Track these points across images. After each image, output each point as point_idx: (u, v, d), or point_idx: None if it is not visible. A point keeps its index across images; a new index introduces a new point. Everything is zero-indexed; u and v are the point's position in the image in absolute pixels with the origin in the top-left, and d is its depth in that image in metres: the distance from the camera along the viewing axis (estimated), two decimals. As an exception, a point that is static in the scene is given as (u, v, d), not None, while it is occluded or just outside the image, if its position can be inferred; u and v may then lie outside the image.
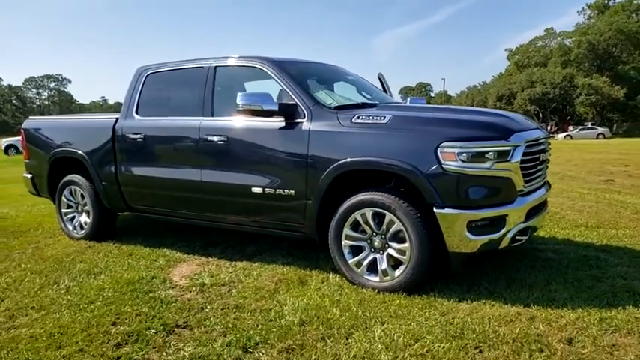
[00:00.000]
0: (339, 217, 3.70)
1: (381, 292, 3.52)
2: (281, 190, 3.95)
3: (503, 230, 3.37)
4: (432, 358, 2.62)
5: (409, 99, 5.39)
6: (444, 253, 3.48)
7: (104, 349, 2.84)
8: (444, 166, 3.27)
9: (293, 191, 3.89)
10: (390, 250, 3.56)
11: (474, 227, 3.30)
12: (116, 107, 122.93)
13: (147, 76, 4.91)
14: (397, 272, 3.52)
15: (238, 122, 4.20)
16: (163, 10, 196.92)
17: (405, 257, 3.47)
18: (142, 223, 6.27)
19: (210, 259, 4.59)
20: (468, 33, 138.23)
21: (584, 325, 2.95)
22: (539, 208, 3.80)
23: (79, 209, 5.48)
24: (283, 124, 3.92)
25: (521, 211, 3.47)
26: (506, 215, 3.37)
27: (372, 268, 3.66)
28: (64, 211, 5.56)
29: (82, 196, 5.37)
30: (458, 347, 2.72)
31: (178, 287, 3.88)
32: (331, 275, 3.95)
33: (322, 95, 4.13)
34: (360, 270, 3.68)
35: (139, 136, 4.72)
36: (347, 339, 2.87)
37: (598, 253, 4.46)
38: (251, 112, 3.91)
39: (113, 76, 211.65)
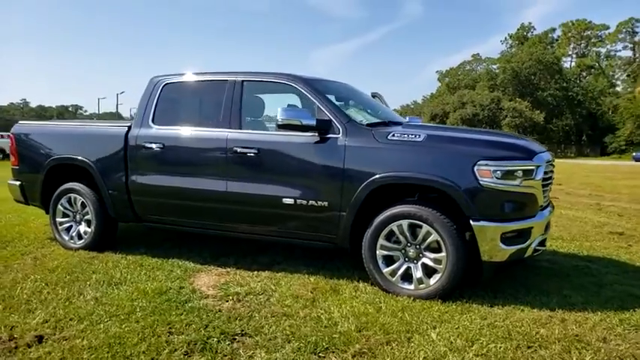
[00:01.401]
0: (374, 227, 3.91)
1: (417, 300, 3.75)
2: (314, 202, 4.09)
3: (529, 241, 3.73)
4: (495, 358, 2.87)
5: (407, 118, 5.73)
6: (474, 262, 3.78)
7: (175, 358, 2.86)
8: (480, 182, 3.58)
9: (326, 202, 4.05)
10: (425, 260, 3.81)
11: (506, 238, 3.63)
12: (38, 111, 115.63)
13: (163, 86, 4.89)
14: (432, 280, 3.77)
15: (270, 135, 4.34)
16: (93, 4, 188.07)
17: (440, 266, 3.73)
18: (139, 233, 6.16)
19: (228, 269, 4.63)
20: (398, 53, 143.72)
21: (610, 326, 3.33)
22: (548, 224, 4.21)
23: (77, 218, 5.30)
24: (318, 138, 4.09)
25: (541, 224, 3.86)
26: (532, 227, 3.74)
27: (405, 276, 3.89)
28: (59, 220, 5.35)
29: (82, 204, 5.21)
30: (512, 347, 2.99)
31: (211, 297, 3.90)
32: (361, 284, 4.13)
33: (352, 113, 4.34)
34: (394, 279, 3.89)
35: (157, 145, 4.69)
36: (409, 342, 3.06)
37: (585, 262, 4.95)
38: (290, 127, 4.04)
39: (36, 76, 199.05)
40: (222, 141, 4.43)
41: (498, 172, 3.59)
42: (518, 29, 73.08)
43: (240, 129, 4.46)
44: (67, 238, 5.32)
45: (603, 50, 69.22)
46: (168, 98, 4.90)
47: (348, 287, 4.08)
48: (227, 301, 3.81)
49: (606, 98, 59.87)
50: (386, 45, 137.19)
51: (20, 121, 5.88)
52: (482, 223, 3.61)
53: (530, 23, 73.54)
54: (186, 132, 4.69)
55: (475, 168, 3.60)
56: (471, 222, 3.63)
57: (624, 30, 66.35)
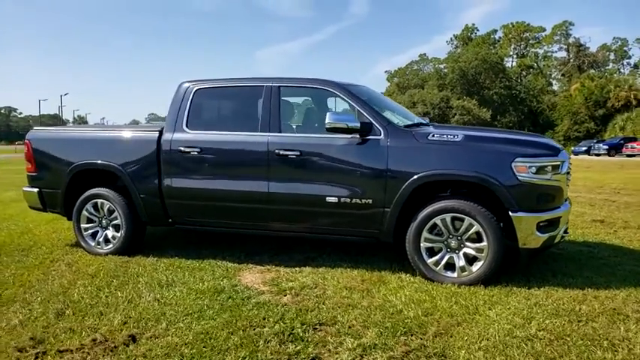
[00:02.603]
0: (419, 221, 4.22)
1: (461, 286, 4.10)
2: (358, 200, 4.36)
3: (558, 229, 4.16)
4: (556, 331, 3.24)
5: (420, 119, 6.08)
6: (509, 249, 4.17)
7: (273, 348, 3.05)
8: (518, 177, 3.97)
9: (370, 200, 4.33)
10: (467, 249, 4.16)
11: (541, 227, 4.04)
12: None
13: (195, 91, 5.01)
14: (474, 268, 4.13)
15: (311, 138, 4.58)
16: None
17: (482, 254, 4.10)
18: (158, 237, 6.22)
19: (267, 266, 4.80)
20: (346, 53, 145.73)
21: (637, 300, 3.80)
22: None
23: (104, 224, 5.32)
24: (360, 140, 4.36)
25: (566, 213, 4.30)
26: (560, 217, 4.17)
27: (447, 266, 4.23)
28: (84, 226, 5.34)
29: (109, 210, 5.24)
30: (566, 322, 3.38)
31: (268, 293, 4.09)
32: (403, 275, 4.44)
33: (388, 115, 4.64)
34: (437, 268, 4.23)
35: (194, 149, 4.80)
36: (475, 323, 3.40)
37: (588, 248, 5.48)
38: (337, 130, 4.29)
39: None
40: (264, 144, 4.62)
41: (533, 167, 4.00)
42: (462, 30, 75.88)
43: (280, 132, 4.66)
44: (92, 243, 5.32)
45: (541, 51, 73.18)
46: (200, 103, 5.03)
47: (393, 278, 4.37)
48: (285, 295, 4.02)
49: (545, 96, 63.22)
50: (333, 45, 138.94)
51: (36, 127, 5.81)
52: (519, 214, 4.00)
53: (473, 24, 76.61)
54: (224, 136, 4.84)
55: (513, 164, 3.99)
56: (510, 213, 4.01)
57: (559, 32, 70.38)
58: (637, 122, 51.92)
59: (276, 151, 4.56)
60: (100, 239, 5.31)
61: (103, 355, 2.97)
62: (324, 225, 4.62)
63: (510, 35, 75.04)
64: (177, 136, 4.92)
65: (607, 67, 72.89)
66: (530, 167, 3.99)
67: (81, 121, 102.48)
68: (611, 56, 75.12)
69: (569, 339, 3.13)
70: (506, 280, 4.22)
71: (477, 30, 76.02)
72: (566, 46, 71.08)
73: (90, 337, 3.18)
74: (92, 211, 5.31)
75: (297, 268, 4.72)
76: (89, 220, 5.36)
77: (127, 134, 5.33)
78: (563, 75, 70.56)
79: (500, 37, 75.70)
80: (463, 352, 2.97)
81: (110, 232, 5.29)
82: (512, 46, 75.43)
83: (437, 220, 4.19)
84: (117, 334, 3.24)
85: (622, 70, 74.72)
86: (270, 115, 4.69)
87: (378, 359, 2.92)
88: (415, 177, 4.17)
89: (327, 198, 4.44)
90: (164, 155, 4.93)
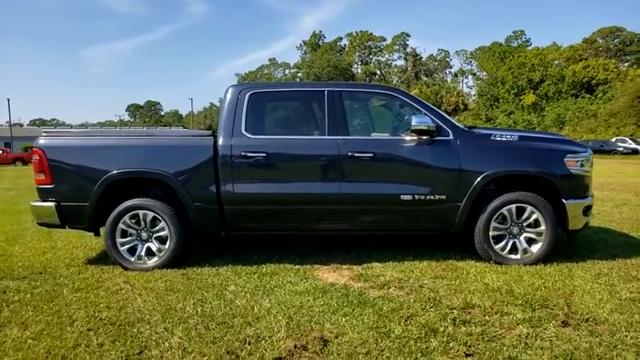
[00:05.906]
0: (488, 213, 4.76)
1: (526, 266, 4.72)
2: (432, 196, 4.75)
3: (591, 213, 5.03)
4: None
5: None
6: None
7: (460, 332, 3.30)
8: (571, 170, 4.74)
9: (444, 196, 4.76)
10: (527, 234, 4.81)
11: (584, 211, 4.86)
12: None
13: (249, 95, 4.91)
14: (534, 249, 4.80)
15: (385, 140, 4.85)
16: None
17: (541, 238, 4.78)
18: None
19: (334, 265, 4.91)
20: (183, 54, 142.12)
21: (644, 262, 4.82)
22: None
23: (144, 236, 4.91)
24: (430, 140, 4.76)
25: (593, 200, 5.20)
26: (592, 203, 5.04)
27: (510, 250, 4.84)
28: (120, 240, 4.88)
29: (152, 221, 4.86)
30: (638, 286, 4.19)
31: (370, 288, 4.27)
32: (469, 261, 4.93)
33: (449, 117, 5.10)
34: (504, 253, 4.81)
35: (259, 154, 4.73)
36: (578, 292, 4.01)
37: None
38: (419, 131, 4.64)
39: None
40: (334, 147, 4.75)
41: (579, 162, 4.80)
42: (311, 37, 79.67)
43: (348, 135, 4.83)
44: (132, 259, 4.88)
45: (383, 59, 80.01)
46: (258, 108, 4.94)
47: (464, 265, 4.83)
48: (389, 289, 4.24)
49: (390, 101, 69.51)
50: (169, 45, 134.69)
51: (46, 131, 5.07)
52: (570, 201, 4.77)
53: (320, 31, 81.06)
54: (291, 140, 4.85)
55: (565, 160, 4.74)
56: (564, 201, 4.75)
57: (398, 42, 77.85)
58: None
59: (349, 153, 4.73)
60: (142, 253, 4.90)
61: (320, 358, 2.97)
62: (396, 221, 4.91)
63: (355, 43, 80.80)
64: (237, 141, 4.79)
65: (435, 76, 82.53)
66: (577, 162, 4.78)
67: None
68: (438, 66, 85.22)
69: (659, 296, 3.92)
70: (551, 260, 4.92)
71: (324, 37, 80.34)
72: (404, 56, 78.89)
73: (283, 344, 3.11)
74: (130, 223, 4.87)
75: (365, 265, 4.92)
76: (124, 234, 4.90)
77: (175, 140, 5.00)
78: (402, 82, 78.08)
79: (345, 45, 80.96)
80: (604, 314, 3.56)
81: (154, 245, 4.90)
82: (357, 54, 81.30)
83: (504, 210, 4.77)
84: (305, 338, 3.21)
85: (446, 79, 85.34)
86: (336, 119, 4.83)
87: (550, 328, 3.36)
88: (487, 173, 4.69)
89: (401, 196, 4.75)
90: (223, 161, 4.76)
